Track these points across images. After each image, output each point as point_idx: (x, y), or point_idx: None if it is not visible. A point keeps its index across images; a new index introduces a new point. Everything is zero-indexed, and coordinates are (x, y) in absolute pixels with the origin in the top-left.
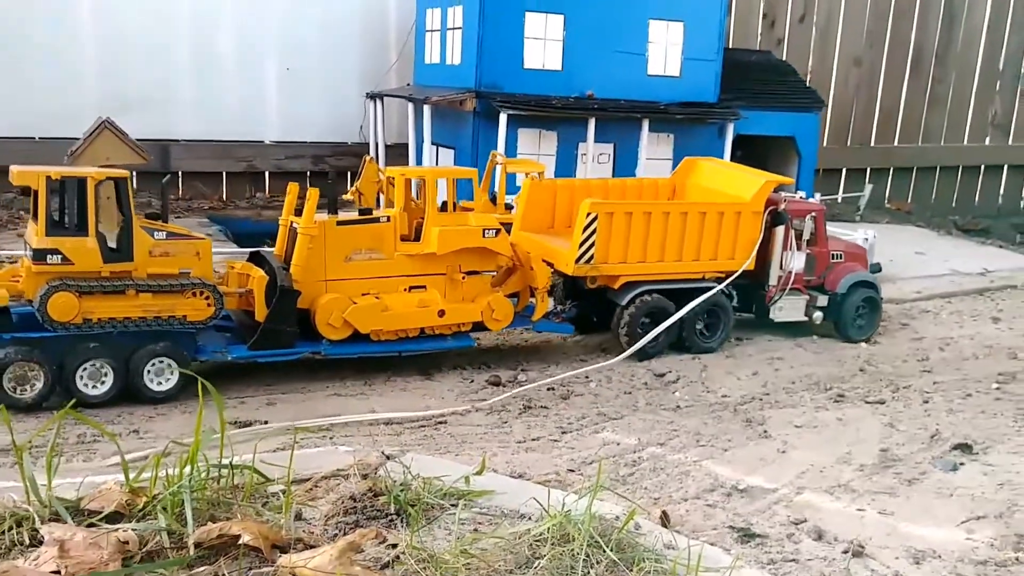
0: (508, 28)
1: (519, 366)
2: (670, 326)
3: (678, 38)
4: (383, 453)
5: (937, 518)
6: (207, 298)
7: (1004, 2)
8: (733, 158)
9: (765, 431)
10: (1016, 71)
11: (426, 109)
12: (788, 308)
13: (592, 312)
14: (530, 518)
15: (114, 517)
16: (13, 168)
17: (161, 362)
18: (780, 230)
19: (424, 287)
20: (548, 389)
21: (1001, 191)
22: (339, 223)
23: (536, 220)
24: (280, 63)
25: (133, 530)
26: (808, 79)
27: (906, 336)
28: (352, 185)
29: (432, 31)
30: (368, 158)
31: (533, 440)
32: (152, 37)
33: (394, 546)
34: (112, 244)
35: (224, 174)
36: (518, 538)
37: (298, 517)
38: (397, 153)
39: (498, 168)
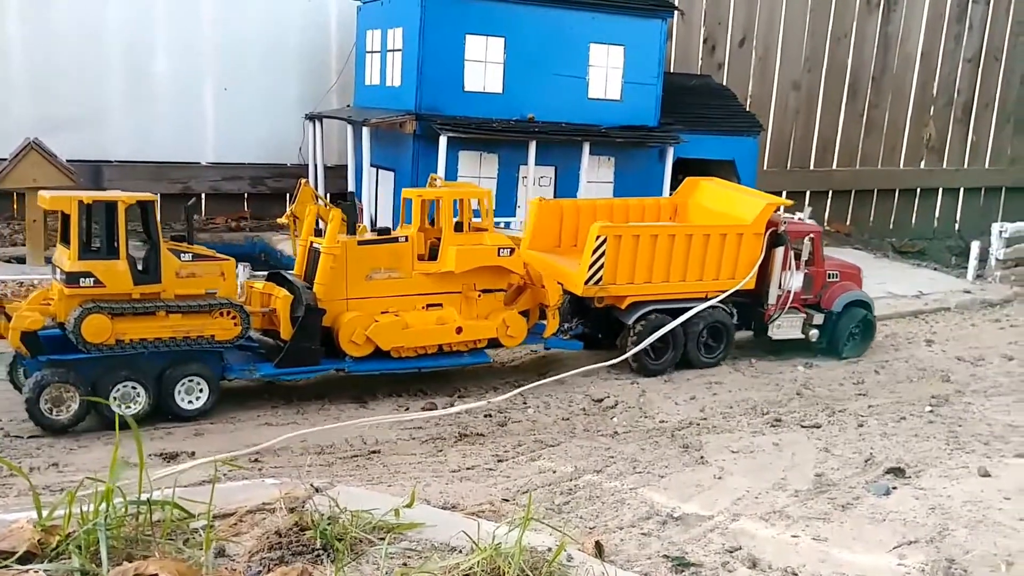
0: (448, 50)
1: (456, 392)
2: (674, 342)
3: (619, 62)
4: (311, 485)
5: (870, 543)
6: (234, 318)
7: (937, 29)
8: (674, 181)
9: (702, 457)
10: (949, 96)
11: (365, 131)
12: (786, 326)
13: (597, 330)
14: (460, 551)
15: (26, 558)
16: (44, 193)
17: (192, 381)
18: (779, 251)
19: (441, 305)
20: (485, 415)
21: (936, 213)
22: (360, 243)
23: (543, 240)
24: (217, 83)
25: (44, 571)
26: (748, 103)
27: (842, 360)
28: (287, 209)
29: (372, 52)
30: (303, 181)
31: (468, 469)
32: (84, 57)
33: None
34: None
35: (158, 196)
36: (447, 572)
37: (221, 553)
38: (337, 175)
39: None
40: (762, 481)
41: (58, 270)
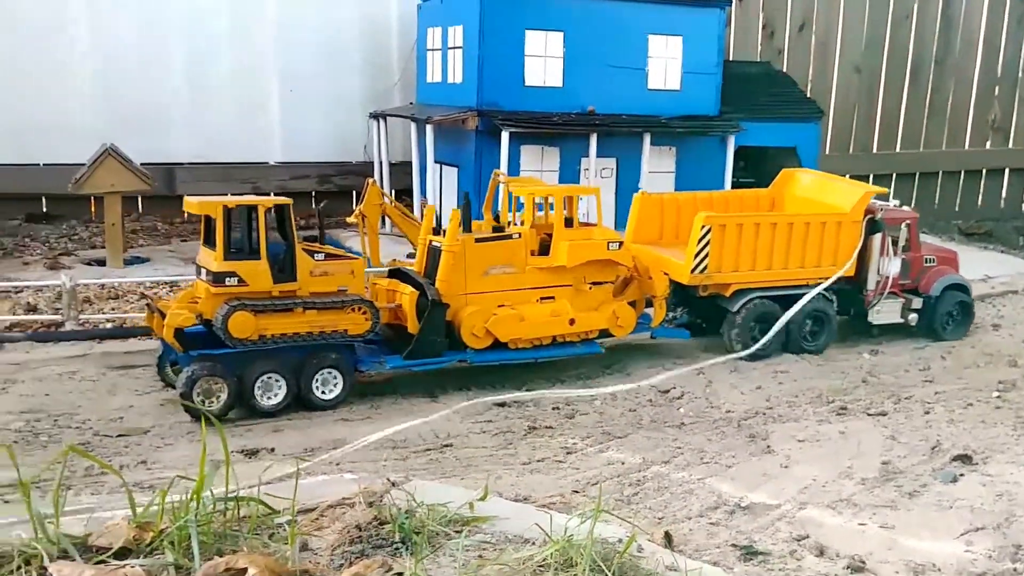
0: (508, 46)
1: (524, 386)
2: (779, 331)
3: (677, 52)
4: (388, 480)
5: (937, 531)
6: (364, 313)
7: (999, 10)
8: (736, 169)
9: (768, 446)
10: (1013, 77)
11: (428, 128)
12: (885, 311)
13: (701, 318)
14: (533, 543)
15: (122, 553)
16: (191, 199)
17: (328, 373)
18: (877, 237)
19: (553, 298)
20: (553, 408)
21: (1003, 194)
22: (477, 240)
23: (646, 232)
24: (283, 85)
25: (141, 566)
26: (809, 88)
27: (908, 345)
28: (356, 208)
29: (433, 50)
30: (371, 181)
31: (538, 461)
32: (150, 63)
33: (400, 575)
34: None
35: (229, 196)
36: (521, 564)
37: (304, 548)
38: (402, 171)
39: (501, 187)
40: (828, 469)
41: (203, 270)
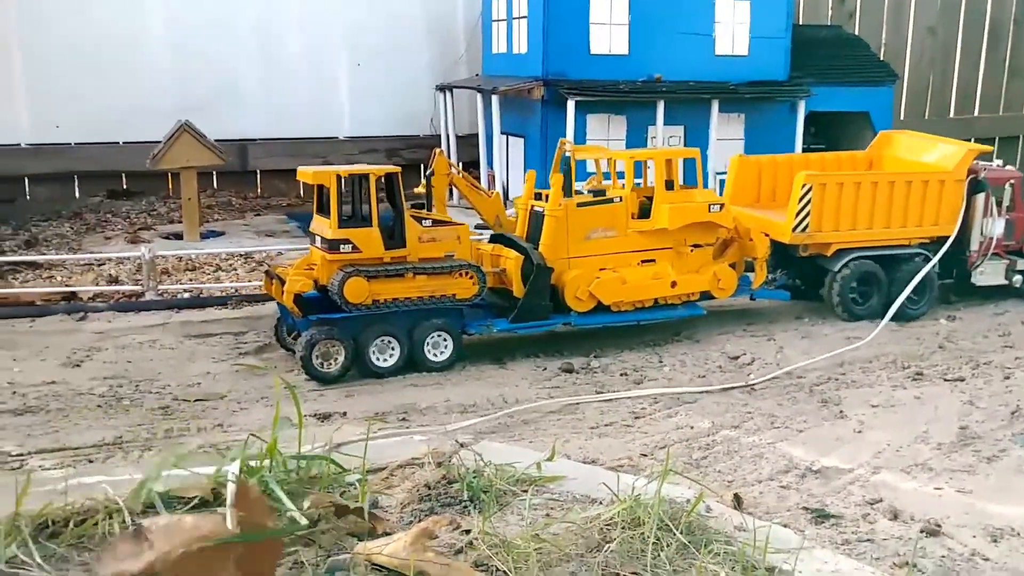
0: (573, 14)
1: (592, 352)
2: (879, 288)
3: (745, 17)
4: (457, 441)
5: (1017, 495)
6: (471, 278)
7: None
8: (806, 136)
9: (841, 411)
10: None
11: (494, 99)
12: (989, 272)
13: (800, 279)
14: (601, 503)
15: (202, 505)
16: (306, 169)
17: (438, 335)
18: (980, 197)
19: (654, 260)
20: (621, 374)
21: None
22: (579, 205)
23: (743, 195)
24: (350, 59)
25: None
26: (882, 52)
27: (987, 311)
28: (423, 178)
29: (498, 21)
30: (438, 151)
31: (606, 426)
32: (223, 42)
33: (467, 532)
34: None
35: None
36: (588, 523)
37: (374, 505)
38: (469, 143)
39: (567, 156)
40: (903, 435)
41: (318, 238)
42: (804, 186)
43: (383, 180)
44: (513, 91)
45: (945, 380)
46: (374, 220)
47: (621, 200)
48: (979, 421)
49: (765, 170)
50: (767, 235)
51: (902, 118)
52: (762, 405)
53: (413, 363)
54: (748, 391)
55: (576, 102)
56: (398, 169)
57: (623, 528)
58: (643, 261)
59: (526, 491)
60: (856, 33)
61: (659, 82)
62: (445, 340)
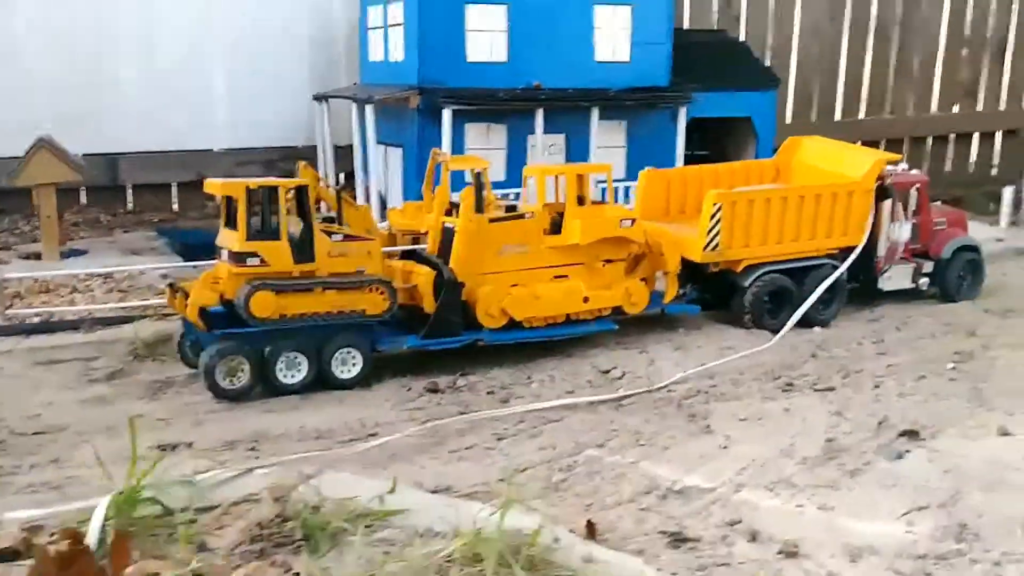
0: (449, 22)
1: (460, 370)
2: (790, 301)
3: (626, 22)
4: (301, 473)
5: (878, 511)
6: (382, 293)
7: None
8: (689, 142)
9: (708, 426)
10: (981, 37)
11: (369, 109)
12: (896, 276)
13: (710, 293)
14: (444, 536)
15: (10, 556)
16: (213, 180)
17: (347, 351)
18: (887, 204)
19: (567, 276)
20: (488, 393)
21: (972, 159)
22: (491, 220)
23: (652, 208)
24: (226, 68)
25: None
26: (768, 56)
27: (864, 316)
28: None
29: (375, 29)
30: (302, 164)
31: (466, 449)
32: (95, 48)
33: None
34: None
35: (174, 185)
36: (427, 560)
37: (202, 548)
38: (349, 154)
39: (441, 165)
40: (769, 449)
41: (224, 251)
42: (715, 204)
43: (293, 193)
44: (389, 100)
45: (815, 390)
46: (283, 233)
47: (533, 216)
48: (846, 433)
49: (674, 183)
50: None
51: (788, 121)
52: (629, 421)
53: (321, 380)
54: (616, 407)
55: (453, 111)
56: (307, 182)
57: (462, 566)
58: (555, 277)
59: (369, 527)
60: (743, 36)
61: (538, 90)
62: (354, 357)
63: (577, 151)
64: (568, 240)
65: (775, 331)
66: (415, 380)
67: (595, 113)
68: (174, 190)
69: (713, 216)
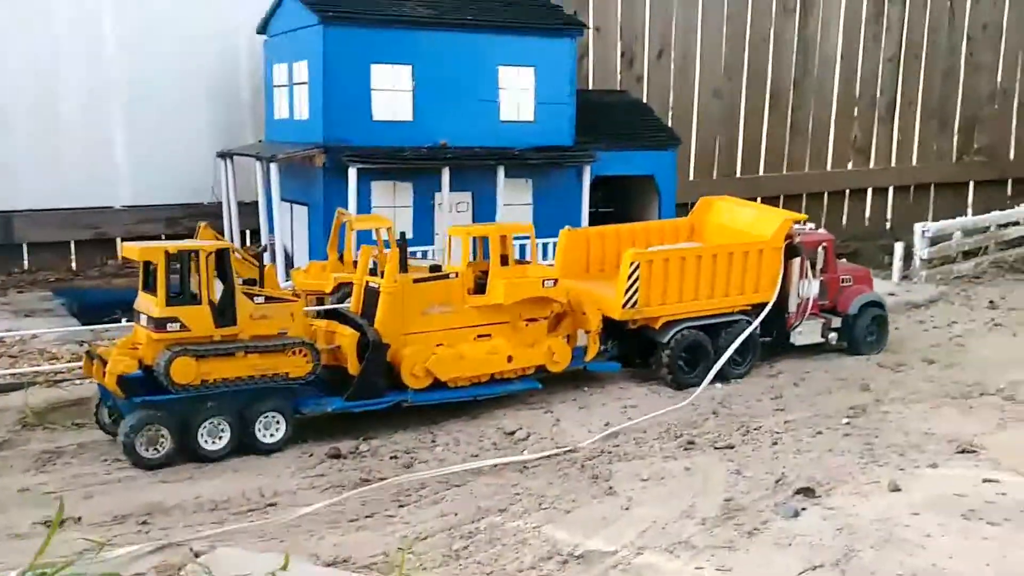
0: (354, 81)
1: (362, 435)
2: (706, 356)
3: (529, 83)
4: (191, 550)
5: (774, 571)
6: (305, 355)
7: (855, 30)
8: (593, 199)
9: (611, 487)
10: (872, 96)
11: (273, 167)
12: (807, 332)
13: (631, 350)
14: None
15: None
16: (130, 244)
17: (271, 415)
18: (796, 261)
19: (490, 335)
20: (391, 457)
21: (867, 213)
22: (415, 280)
23: (573, 267)
24: (127, 124)
25: None
26: (670, 115)
27: (763, 372)
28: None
29: (280, 86)
30: (202, 224)
31: (367, 517)
32: None
33: None
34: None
35: (72, 243)
36: None
37: None
38: (254, 211)
39: (345, 224)
40: (670, 509)
41: (143, 316)
42: (632, 264)
43: (214, 256)
44: (291, 158)
45: (715, 448)
46: (204, 297)
47: (457, 276)
48: (744, 492)
49: (593, 242)
50: (598, 309)
51: (691, 178)
52: (532, 484)
53: (244, 446)
54: (520, 469)
55: (359, 169)
56: (230, 245)
57: None
58: (479, 336)
59: None
60: (645, 96)
61: (444, 148)
62: (278, 421)
63: (484, 209)
64: (492, 300)
65: (692, 386)
66: (316, 445)
67: (501, 172)
68: (72, 248)
69: (631, 275)
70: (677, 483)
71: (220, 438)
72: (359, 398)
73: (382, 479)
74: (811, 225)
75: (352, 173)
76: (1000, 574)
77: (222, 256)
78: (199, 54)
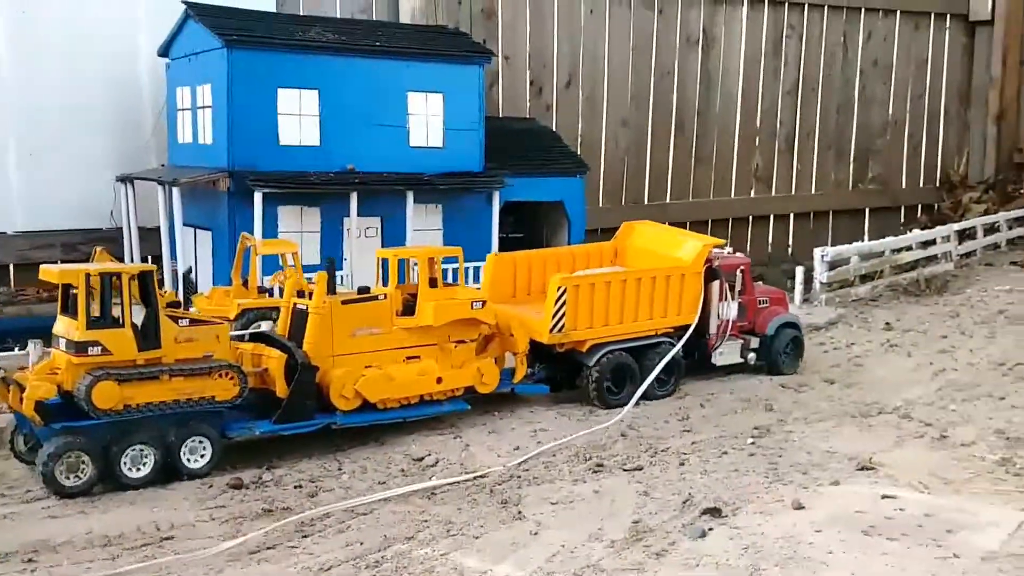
0: (260, 105)
1: (266, 464)
2: (632, 378)
3: (438, 109)
4: None
5: None
6: (232, 378)
7: (755, 64)
8: (505, 224)
9: (520, 512)
10: (772, 127)
11: (175, 191)
12: (727, 352)
13: (558, 373)
14: None
15: None
16: (50, 268)
17: (197, 440)
18: (715, 285)
19: (419, 357)
20: (296, 487)
21: (770, 239)
22: (344, 302)
23: (500, 291)
24: (21, 148)
25: None
26: (579, 143)
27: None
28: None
29: (184, 110)
30: (98, 249)
31: (268, 549)
32: None
33: None
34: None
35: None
36: None
37: None
38: (156, 237)
39: (250, 249)
40: (579, 533)
41: (62, 340)
42: (559, 288)
43: (137, 278)
44: (194, 183)
45: (624, 470)
46: (126, 320)
47: (386, 298)
48: (652, 513)
49: (520, 266)
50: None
51: (601, 205)
52: (440, 511)
53: (168, 471)
54: (428, 495)
55: (264, 194)
56: (153, 267)
57: None
58: (408, 358)
59: None
60: (554, 124)
61: (353, 173)
62: (204, 445)
63: (394, 233)
64: (421, 322)
65: (618, 406)
66: (217, 475)
67: (411, 196)
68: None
69: (558, 300)
70: (586, 506)
71: (144, 464)
72: (288, 421)
73: (286, 509)
74: (729, 249)
75: (258, 198)
76: None
77: (145, 279)
78: (97, 77)
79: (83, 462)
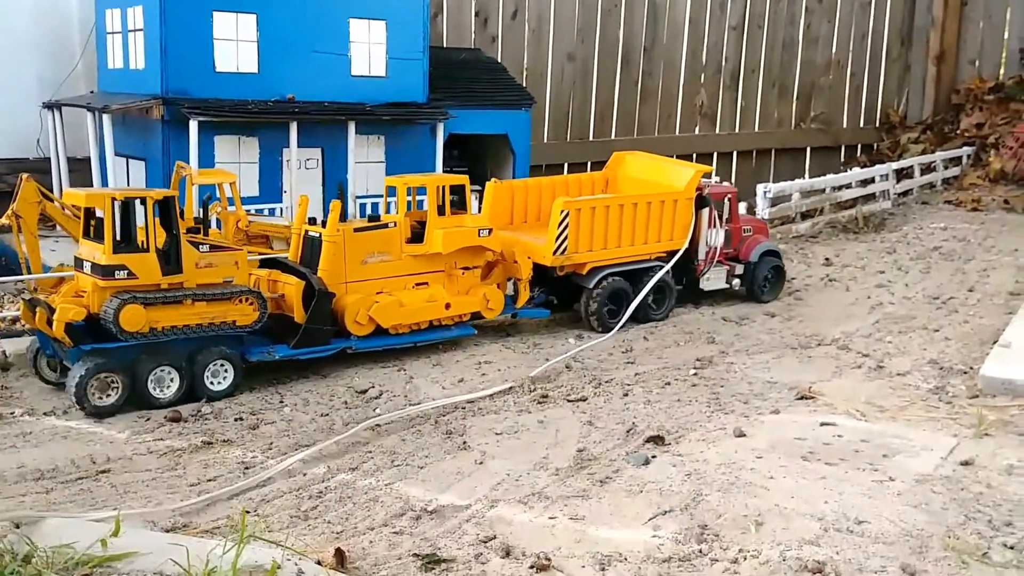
0: (195, 29)
1: (203, 396)
2: (628, 301)
3: (381, 37)
4: (11, 521)
5: (626, 517)
6: (252, 304)
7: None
8: (448, 158)
9: (464, 442)
10: (718, 64)
11: (106, 119)
12: (714, 278)
13: (556, 296)
14: None
15: None
16: (74, 191)
17: (219, 363)
18: (705, 212)
19: (427, 283)
20: (236, 419)
21: (713, 178)
22: (356, 230)
23: (499, 218)
24: None
25: None
26: (524, 76)
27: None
28: (9, 208)
29: (113, 33)
30: (24, 176)
31: (209, 481)
32: None
33: None
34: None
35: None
36: None
37: None
38: (87, 166)
39: (185, 179)
40: (523, 462)
41: (88, 264)
42: (563, 211)
43: (160, 204)
44: (126, 110)
45: (568, 401)
46: (151, 245)
47: (396, 225)
48: (596, 442)
49: (518, 194)
50: (529, 257)
51: (546, 140)
52: (384, 442)
53: (192, 393)
54: (372, 427)
55: (200, 122)
56: (175, 193)
57: None
58: (417, 284)
59: (88, 575)
60: (500, 57)
61: (292, 102)
62: (226, 368)
63: (335, 165)
64: (430, 249)
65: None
66: (153, 410)
67: (351, 127)
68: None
69: (561, 223)
70: (531, 436)
71: (169, 386)
72: (305, 346)
73: (226, 441)
74: (716, 178)
75: (193, 126)
76: (837, 510)
77: (167, 204)
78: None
79: (112, 382)
